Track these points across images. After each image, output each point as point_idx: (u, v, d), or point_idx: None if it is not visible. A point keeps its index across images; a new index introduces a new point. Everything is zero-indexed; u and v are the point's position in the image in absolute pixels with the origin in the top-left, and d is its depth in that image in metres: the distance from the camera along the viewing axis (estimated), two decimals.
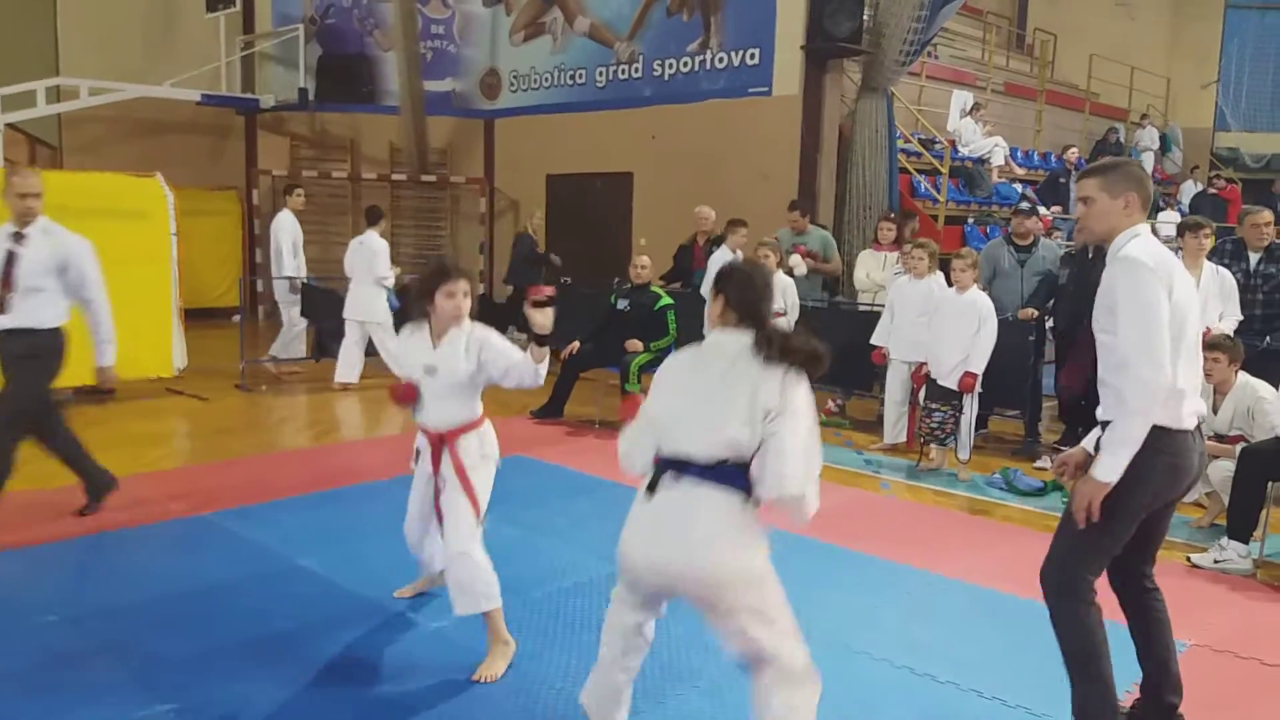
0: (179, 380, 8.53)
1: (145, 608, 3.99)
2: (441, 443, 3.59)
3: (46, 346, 4.93)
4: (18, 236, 4.87)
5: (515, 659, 3.58)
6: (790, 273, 7.90)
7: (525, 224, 11.88)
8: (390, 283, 9.00)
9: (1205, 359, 5.27)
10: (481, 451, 3.65)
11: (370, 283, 8.89)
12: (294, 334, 9.48)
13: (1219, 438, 5.34)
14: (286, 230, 9.34)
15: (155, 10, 14.24)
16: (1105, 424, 2.93)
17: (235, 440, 7.06)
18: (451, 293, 3.55)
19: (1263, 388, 5.17)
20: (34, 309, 4.87)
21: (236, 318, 11.45)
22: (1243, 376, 5.33)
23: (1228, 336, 5.54)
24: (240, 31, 14.44)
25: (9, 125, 11.76)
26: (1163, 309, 2.79)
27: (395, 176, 13.94)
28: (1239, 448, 4.99)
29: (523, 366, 3.57)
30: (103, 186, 8.38)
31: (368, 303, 8.88)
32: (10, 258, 4.82)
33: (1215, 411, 5.37)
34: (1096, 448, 2.96)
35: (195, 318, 9.84)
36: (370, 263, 8.88)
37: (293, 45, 14.02)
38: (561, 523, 5.26)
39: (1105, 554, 2.98)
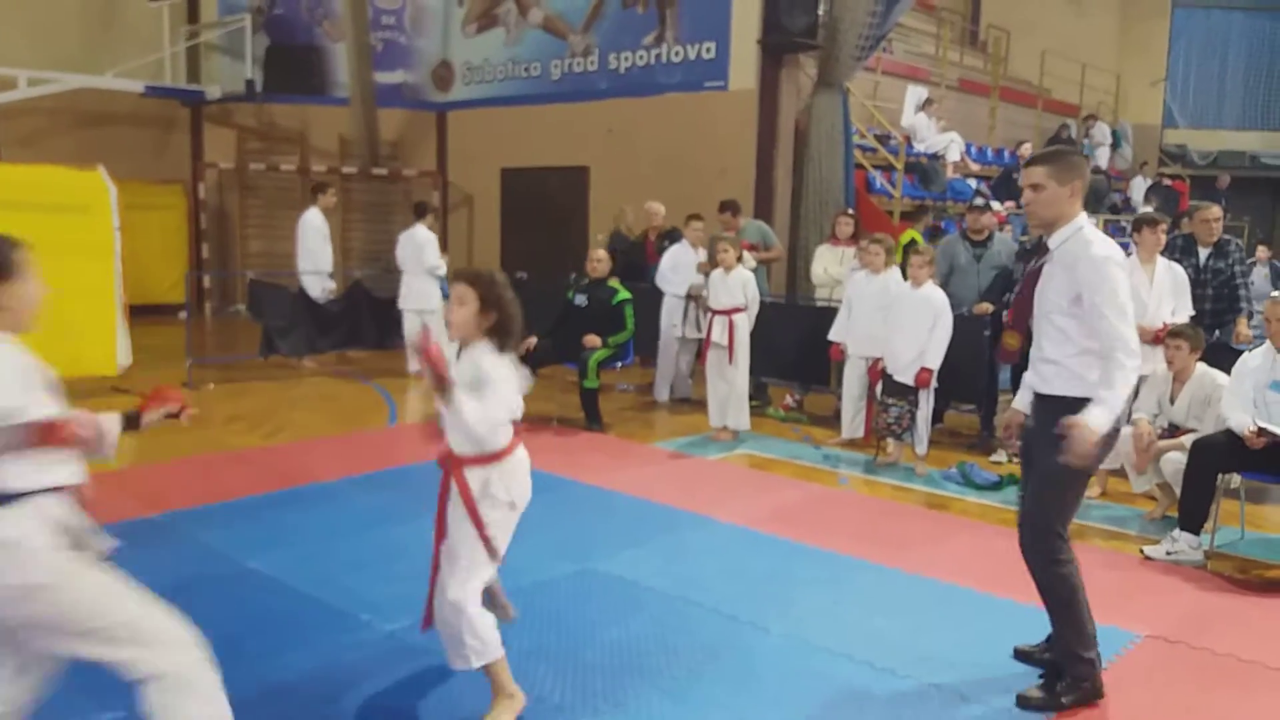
0: (123, 378, 8.30)
1: None
2: (449, 468, 3.17)
3: None
4: None
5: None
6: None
7: (618, 223, 10.59)
8: (442, 271, 9.43)
9: (1168, 347, 5.36)
10: (489, 491, 3.14)
11: (422, 273, 9.37)
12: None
13: (1172, 429, 5.41)
14: (314, 229, 9.62)
15: None
16: (1044, 396, 3.33)
17: (184, 439, 6.88)
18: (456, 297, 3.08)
19: (1220, 377, 5.23)
20: None
21: (183, 314, 11.19)
22: (1201, 366, 5.40)
23: (1190, 325, 5.61)
24: (185, 21, 14.13)
25: None
26: (1128, 299, 3.18)
27: (346, 169, 13.72)
28: (1190, 438, 5.05)
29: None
30: (42, 179, 8.16)
31: (421, 292, 9.38)
32: None
33: (1172, 401, 5.44)
34: (1034, 412, 3.39)
35: (140, 314, 9.59)
36: (420, 254, 9.32)
37: (239, 35, 13.72)
38: (519, 521, 5.17)
39: (1071, 512, 3.36)
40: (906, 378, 6.32)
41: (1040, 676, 3.48)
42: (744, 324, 7.07)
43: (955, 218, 11.42)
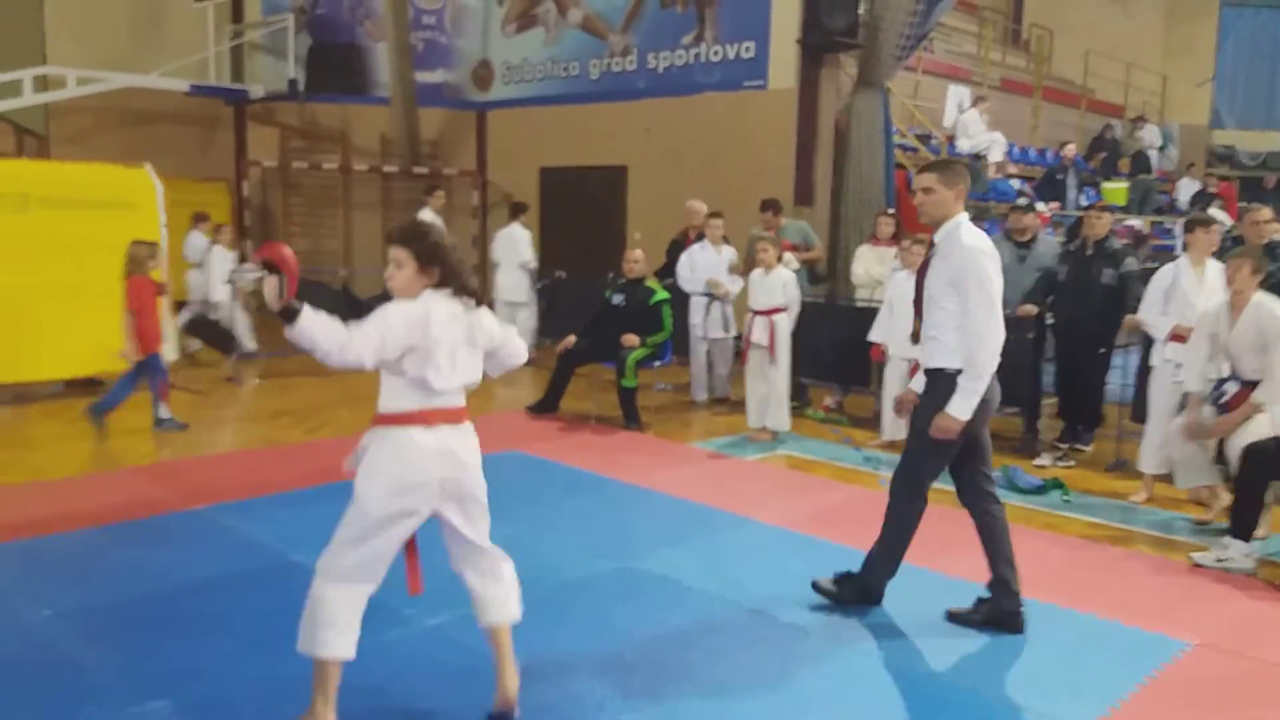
0: (170, 373, 8.43)
1: (140, 603, 3.92)
2: None
3: None
4: None
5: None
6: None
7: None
8: (534, 266, 10.31)
9: (1229, 265, 5.11)
10: (367, 458, 2.90)
11: (515, 268, 10.16)
12: None
13: (1226, 382, 5.12)
14: None
15: None
16: (932, 370, 3.88)
17: (230, 433, 6.99)
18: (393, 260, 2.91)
19: (1278, 307, 4.95)
20: None
21: (184, 310, 11.33)
22: (1260, 294, 5.03)
23: (1256, 246, 5.45)
24: (229, 20, 14.29)
25: None
26: (998, 287, 3.75)
27: (387, 168, 13.83)
28: (1245, 446, 4.90)
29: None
30: (91, 177, 8.29)
31: (514, 286, 10.18)
32: None
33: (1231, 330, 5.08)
34: (926, 390, 3.93)
35: (184, 309, 9.73)
36: (515, 249, 10.14)
37: (282, 35, 13.86)
38: (559, 519, 5.20)
39: (941, 465, 3.97)
40: None
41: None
42: (784, 324, 7.04)
43: (998, 218, 11.31)
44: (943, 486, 4.07)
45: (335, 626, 2.82)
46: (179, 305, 8.67)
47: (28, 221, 7.59)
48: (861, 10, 10.24)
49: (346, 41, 14.34)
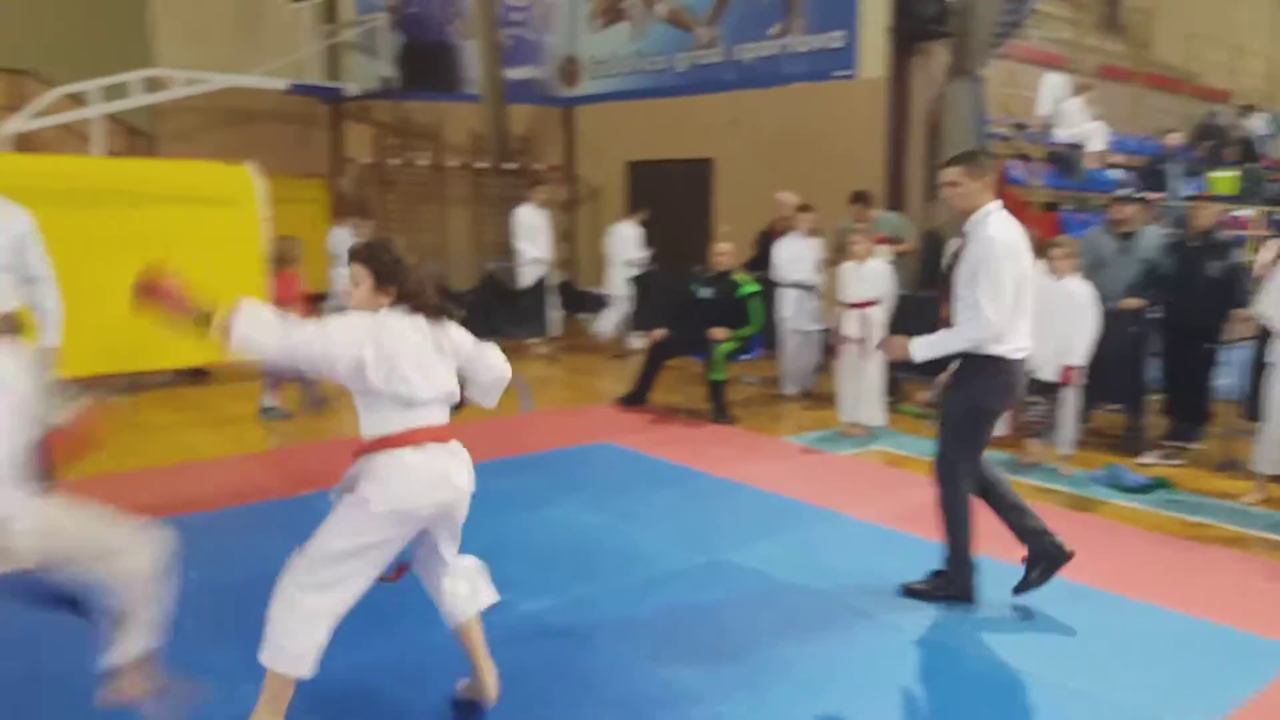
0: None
1: (244, 588, 4.04)
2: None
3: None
4: None
5: (608, 647, 3.56)
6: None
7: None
8: (642, 262, 10.81)
9: None
10: (356, 487, 2.80)
11: (622, 263, 10.78)
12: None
13: None
14: (521, 223, 10.51)
15: (244, 0, 14.52)
16: (964, 355, 3.99)
17: (331, 421, 7.17)
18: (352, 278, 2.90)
19: None
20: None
21: (325, 304, 11.65)
22: None
23: None
24: (325, 20, 14.65)
25: (107, 115, 12.10)
26: (1010, 276, 3.83)
27: (478, 164, 14.03)
28: None
29: None
30: (195, 174, 8.58)
31: (619, 280, 10.82)
32: None
33: None
34: (956, 376, 4.07)
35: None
36: (622, 245, 10.87)
37: (376, 34, 14.17)
38: (646, 511, 5.23)
39: (971, 449, 4.04)
40: (1050, 375, 6.10)
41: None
42: (878, 317, 6.95)
43: (1097, 210, 10.98)
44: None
45: (300, 644, 2.73)
46: (311, 298, 8.91)
47: (138, 217, 7.87)
48: None
49: (437, 39, 14.59)
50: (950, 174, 4.01)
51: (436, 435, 2.85)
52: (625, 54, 13.51)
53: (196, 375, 8.47)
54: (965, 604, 4.04)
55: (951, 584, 4.08)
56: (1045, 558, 4.07)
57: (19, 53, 13.17)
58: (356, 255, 2.87)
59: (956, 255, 4.06)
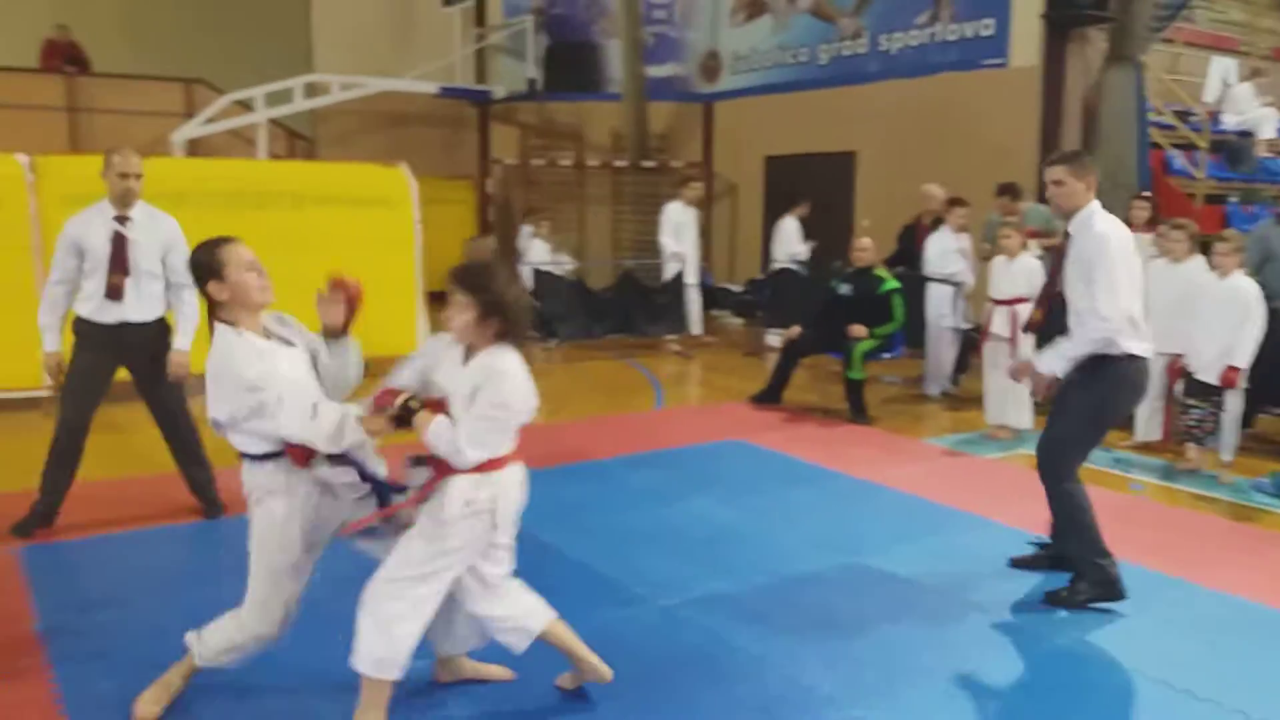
0: None
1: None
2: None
3: (169, 337, 4.73)
4: (121, 219, 4.59)
5: (743, 645, 3.58)
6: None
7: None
8: (803, 256, 10.75)
9: None
10: (468, 502, 2.84)
11: (785, 256, 10.78)
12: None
13: None
14: (670, 219, 10.69)
15: (398, 6, 15.11)
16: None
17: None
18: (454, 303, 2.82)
19: None
20: (156, 296, 4.65)
21: None
22: None
23: None
24: (474, 24, 15.09)
25: (271, 120, 12.82)
26: (1125, 270, 3.82)
27: (617, 163, 14.21)
28: None
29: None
30: (354, 176, 8.98)
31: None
32: (120, 241, 4.54)
33: None
34: (1081, 374, 3.93)
35: (435, 300, 10.39)
36: (784, 240, 10.75)
37: (522, 36, 14.51)
38: (781, 510, 5.21)
39: (1083, 448, 4.06)
40: (1210, 376, 5.78)
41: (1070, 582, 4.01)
42: (1028, 315, 6.71)
43: (1267, 201, 10.30)
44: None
45: (391, 648, 2.78)
46: (427, 295, 9.24)
47: (300, 218, 8.30)
48: None
49: (582, 40, 14.84)
50: (1056, 172, 3.99)
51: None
52: (766, 48, 13.43)
53: None
54: (1116, 602, 3.92)
55: (1095, 585, 3.94)
56: (1067, 562, 4.17)
57: (191, 64, 14.11)
58: (460, 280, 2.78)
59: (1060, 256, 4.08)
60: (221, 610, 3.02)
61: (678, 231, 10.65)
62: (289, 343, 2.98)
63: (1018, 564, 4.40)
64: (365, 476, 2.95)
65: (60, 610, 3.78)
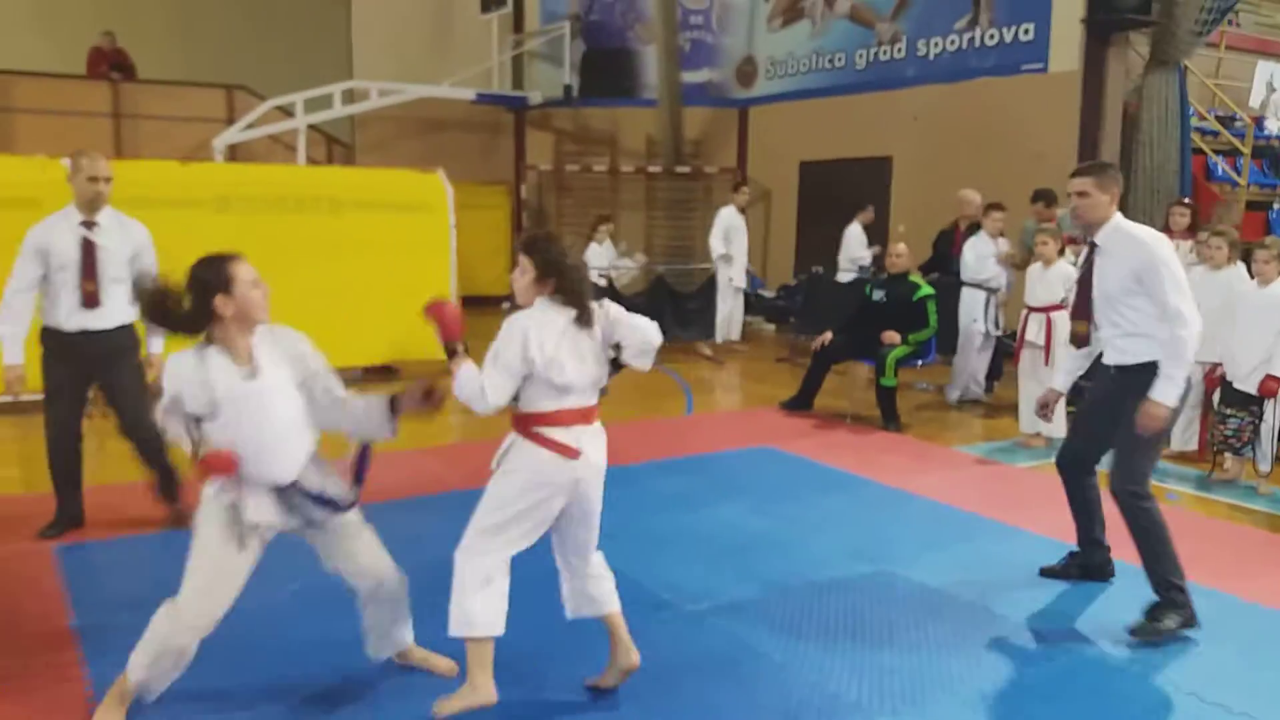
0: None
1: (429, 569, 4.27)
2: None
3: (136, 344, 4.62)
4: (89, 225, 4.48)
5: (769, 652, 3.57)
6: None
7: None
8: (866, 261, 10.71)
9: None
10: (504, 459, 3.12)
11: (849, 261, 10.78)
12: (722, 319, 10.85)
13: None
14: (721, 223, 10.74)
15: (437, 13, 15.26)
16: (1127, 367, 3.88)
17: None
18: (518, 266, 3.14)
19: None
20: (123, 302, 4.44)
21: (506, 305, 12.10)
22: None
23: None
24: (511, 31, 15.20)
25: (310, 126, 13.00)
26: (1180, 271, 3.77)
27: (651, 169, 14.24)
28: None
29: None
30: (391, 182, 9.09)
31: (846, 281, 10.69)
32: (88, 247, 4.45)
33: None
34: (1117, 381, 3.93)
35: (468, 305, 10.46)
36: (850, 245, 10.82)
37: (559, 42, 14.59)
38: (811, 516, 5.19)
39: (1152, 462, 3.98)
40: (1249, 386, 5.69)
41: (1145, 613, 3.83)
42: (1063, 323, 6.63)
43: None
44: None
45: (481, 608, 2.97)
46: (461, 299, 9.31)
47: (339, 223, 8.42)
48: None
49: (618, 46, 14.89)
50: (1080, 184, 3.95)
51: (583, 416, 3.06)
52: (803, 53, 13.41)
53: (385, 373, 8.97)
54: (1192, 629, 3.78)
55: (1174, 609, 3.77)
56: (1090, 568, 4.30)
57: (232, 69, 14.34)
58: (523, 246, 3.07)
59: (1089, 268, 4.00)
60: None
61: (728, 235, 10.67)
62: (254, 376, 2.94)
63: (1047, 573, 4.36)
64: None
65: (95, 609, 3.85)
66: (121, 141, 12.88)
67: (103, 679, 3.21)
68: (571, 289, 3.00)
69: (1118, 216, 3.94)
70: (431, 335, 3.06)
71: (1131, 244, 3.83)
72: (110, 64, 13.34)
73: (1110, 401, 3.98)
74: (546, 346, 2.93)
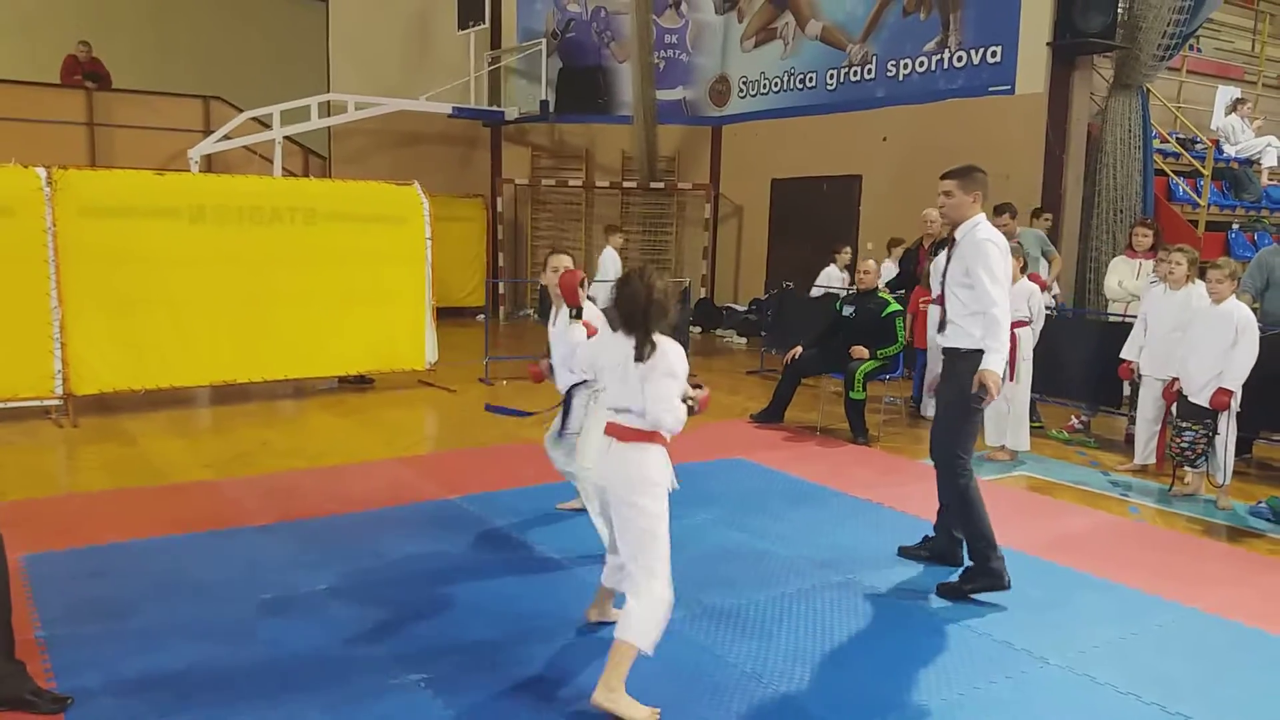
0: (430, 373, 9.15)
1: (399, 583, 4.32)
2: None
3: None
4: None
5: (739, 662, 3.63)
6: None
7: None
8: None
9: None
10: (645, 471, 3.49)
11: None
12: None
13: None
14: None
15: (414, 28, 15.30)
16: (951, 350, 4.42)
17: (481, 430, 7.49)
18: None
19: None
20: None
21: (480, 317, 12.15)
22: None
23: None
24: (488, 47, 15.28)
25: (287, 138, 12.99)
26: (1005, 271, 4.25)
27: (626, 184, 14.34)
28: None
29: None
30: (367, 194, 9.12)
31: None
32: None
33: None
34: (948, 369, 4.46)
35: (444, 316, 10.50)
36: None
37: (536, 59, 14.70)
38: (781, 528, 5.25)
39: (970, 438, 4.41)
40: (1202, 399, 5.84)
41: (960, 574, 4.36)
42: (1027, 338, 6.77)
43: (1273, 228, 10.37)
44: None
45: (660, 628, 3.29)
46: (437, 311, 9.34)
47: (314, 233, 8.42)
48: (1120, 10, 9.69)
49: (594, 63, 15.02)
50: (945, 185, 4.39)
51: (617, 433, 3.37)
52: (776, 73, 13.59)
53: (359, 383, 8.99)
54: (1002, 591, 4.25)
55: (984, 574, 4.29)
56: (940, 554, 4.69)
57: (208, 80, 14.31)
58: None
59: (948, 259, 4.43)
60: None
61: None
62: None
63: (905, 553, 4.84)
64: None
65: (60, 619, 3.83)
66: (96, 150, 12.82)
67: (69, 689, 3.20)
68: (631, 322, 3.33)
69: (979, 217, 4.35)
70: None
71: (971, 242, 4.27)
72: (84, 73, 13.28)
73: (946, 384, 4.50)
74: (600, 360, 3.49)
